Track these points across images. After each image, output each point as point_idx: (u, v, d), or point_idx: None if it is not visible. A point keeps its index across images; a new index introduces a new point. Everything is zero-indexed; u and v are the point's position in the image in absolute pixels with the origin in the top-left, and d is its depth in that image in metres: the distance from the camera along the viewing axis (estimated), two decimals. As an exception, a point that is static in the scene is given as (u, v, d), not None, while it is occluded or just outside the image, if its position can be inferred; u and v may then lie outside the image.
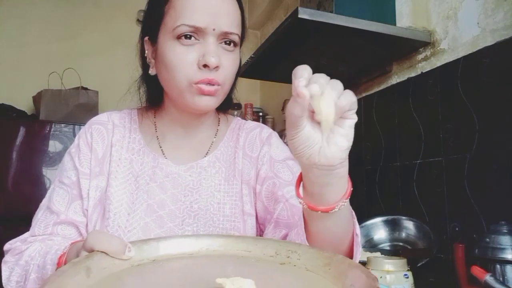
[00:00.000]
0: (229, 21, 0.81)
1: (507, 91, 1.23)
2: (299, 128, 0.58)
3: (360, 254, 0.76)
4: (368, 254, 1.14)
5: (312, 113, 0.59)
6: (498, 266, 0.96)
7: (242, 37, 0.89)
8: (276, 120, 3.05)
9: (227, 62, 0.82)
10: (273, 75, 2.11)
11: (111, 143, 0.92)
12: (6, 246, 0.87)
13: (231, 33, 0.81)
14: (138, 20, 3.15)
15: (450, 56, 1.46)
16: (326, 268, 0.59)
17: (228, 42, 0.82)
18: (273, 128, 3.03)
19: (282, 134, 2.84)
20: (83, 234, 0.88)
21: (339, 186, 0.70)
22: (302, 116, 0.57)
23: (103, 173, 0.90)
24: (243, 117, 3.03)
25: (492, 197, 1.25)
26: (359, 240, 0.76)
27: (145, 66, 0.90)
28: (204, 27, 0.78)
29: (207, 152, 0.95)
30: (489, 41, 1.30)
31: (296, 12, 1.40)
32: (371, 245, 1.53)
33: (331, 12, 1.59)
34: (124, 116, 0.97)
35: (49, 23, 2.97)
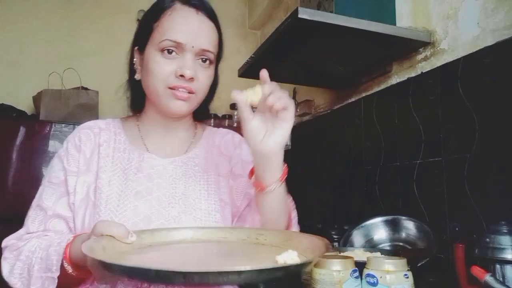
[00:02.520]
0: (207, 41, 0.96)
1: (507, 91, 1.23)
2: (246, 123, 0.84)
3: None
4: (368, 254, 1.14)
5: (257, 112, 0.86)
6: (498, 266, 0.95)
7: (219, 57, 1.05)
8: (276, 120, 3.04)
9: (202, 76, 0.96)
10: (273, 75, 2.09)
11: (98, 143, 1.01)
12: (3, 243, 0.94)
13: (207, 51, 0.96)
14: (138, 20, 3.14)
15: (450, 56, 1.46)
16: (287, 242, 0.80)
17: (204, 59, 0.97)
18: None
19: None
20: (71, 228, 0.95)
21: (275, 171, 0.88)
22: (247, 115, 0.84)
23: (91, 170, 0.98)
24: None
25: (492, 197, 1.25)
26: (294, 222, 1.03)
27: (132, 72, 1.04)
28: (184, 43, 0.92)
29: (187, 150, 1.07)
30: (489, 41, 1.30)
31: (296, 12, 1.40)
32: (371, 245, 1.53)
33: (331, 12, 1.59)
34: (109, 122, 1.08)
35: (49, 23, 2.96)
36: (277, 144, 0.84)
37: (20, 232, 0.96)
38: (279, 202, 0.93)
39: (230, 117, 3.00)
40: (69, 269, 0.81)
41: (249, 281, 0.58)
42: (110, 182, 0.96)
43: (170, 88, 0.93)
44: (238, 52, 3.28)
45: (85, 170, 0.98)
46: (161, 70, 0.92)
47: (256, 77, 2.40)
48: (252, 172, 0.92)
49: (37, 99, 2.59)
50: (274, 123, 0.84)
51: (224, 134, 1.17)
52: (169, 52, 0.92)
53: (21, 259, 0.88)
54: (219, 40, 1.02)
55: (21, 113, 2.55)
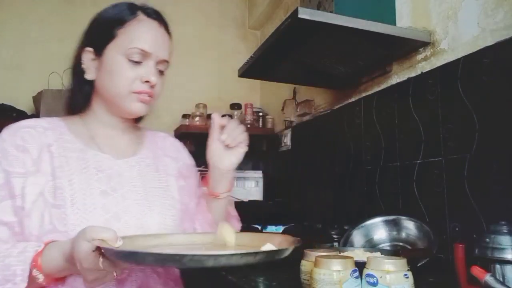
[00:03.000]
0: (166, 52, 1.05)
1: (507, 91, 1.23)
2: (211, 143, 1.10)
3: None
4: (368, 254, 1.14)
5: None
6: (498, 266, 0.95)
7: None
8: (276, 120, 3.05)
9: (159, 83, 1.05)
10: (273, 75, 2.12)
11: (47, 143, 0.99)
12: None
13: (165, 61, 1.05)
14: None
15: (450, 56, 1.46)
16: (265, 240, 0.89)
17: (161, 69, 1.05)
18: (273, 128, 3.04)
19: (282, 135, 2.84)
20: (17, 232, 0.92)
21: (227, 184, 1.12)
22: (215, 137, 1.08)
23: (41, 170, 0.95)
24: (243, 117, 3.03)
25: (492, 197, 1.25)
26: (236, 219, 1.25)
27: (79, 71, 1.05)
28: (150, 52, 1.00)
29: (136, 151, 1.12)
30: (489, 41, 1.30)
31: (296, 12, 1.40)
32: (371, 245, 1.53)
33: (331, 12, 1.59)
34: (50, 121, 1.05)
35: (49, 23, 2.97)
36: (232, 164, 1.09)
37: None
38: (226, 206, 1.17)
39: (230, 117, 2.99)
40: (40, 277, 0.82)
41: (255, 261, 0.71)
42: (71, 182, 0.95)
43: (135, 92, 1.00)
44: (238, 52, 3.28)
45: (34, 171, 0.94)
46: (127, 75, 0.98)
47: (256, 77, 2.41)
48: (205, 181, 1.15)
49: (37, 99, 2.59)
50: (232, 149, 1.09)
51: (165, 137, 1.26)
52: (135, 59, 0.99)
53: None
54: (172, 53, 1.11)
55: (21, 113, 2.55)
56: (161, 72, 1.06)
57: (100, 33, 1.02)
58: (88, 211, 0.93)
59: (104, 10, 1.06)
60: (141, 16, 1.02)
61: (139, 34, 0.99)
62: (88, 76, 1.02)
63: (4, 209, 0.91)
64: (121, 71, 0.98)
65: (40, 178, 0.94)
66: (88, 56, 1.02)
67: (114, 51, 0.99)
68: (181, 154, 1.24)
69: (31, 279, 0.81)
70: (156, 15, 1.06)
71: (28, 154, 0.95)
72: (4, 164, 0.94)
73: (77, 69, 1.06)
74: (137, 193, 1.03)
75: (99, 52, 1.01)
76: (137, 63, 0.99)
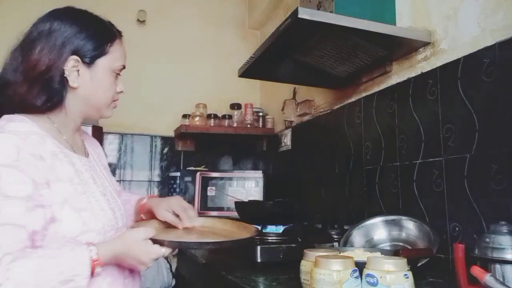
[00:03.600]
0: None
1: (507, 91, 1.23)
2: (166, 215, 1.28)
3: None
4: (368, 254, 1.14)
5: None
6: (498, 266, 0.95)
7: None
8: (276, 120, 3.05)
9: None
10: (273, 75, 2.12)
11: (51, 150, 1.02)
12: None
13: None
14: (138, 20, 3.14)
15: (450, 56, 1.46)
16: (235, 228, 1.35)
17: None
18: (274, 128, 3.04)
19: (282, 134, 2.85)
20: (38, 240, 0.95)
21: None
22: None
23: (60, 177, 1.01)
24: (243, 117, 3.03)
25: (492, 197, 1.25)
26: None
27: (61, 76, 1.04)
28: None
29: (87, 151, 1.22)
30: (489, 41, 1.30)
31: (296, 12, 1.40)
32: (371, 245, 1.53)
33: (331, 12, 1.59)
34: (30, 123, 1.03)
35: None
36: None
37: None
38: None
39: (230, 117, 3.00)
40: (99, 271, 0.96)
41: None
42: (81, 185, 1.06)
43: (114, 100, 1.16)
44: (238, 52, 3.28)
45: (54, 179, 0.99)
46: (113, 88, 1.14)
47: (256, 77, 2.41)
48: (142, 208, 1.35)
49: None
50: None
51: (84, 132, 1.31)
52: (119, 73, 1.15)
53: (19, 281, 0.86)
54: None
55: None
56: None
57: (93, 47, 1.08)
58: (104, 210, 1.07)
59: (88, 22, 1.11)
60: (118, 36, 1.16)
61: (122, 53, 1.15)
62: (73, 83, 1.06)
63: (35, 218, 0.93)
64: (110, 85, 1.12)
65: (61, 185, 1.00)
66: (72, 63, 1.05)
67: (105, 66, 1.10)
68: (101, 150, 1.38)
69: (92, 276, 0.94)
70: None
71: (44, 162, 0.98)
72: (29, 172, 0.94)
73: (60, 75, 1.04)
74: (111, 192, 1.18)
75: (88, 63, 1.07)
76: (116, 77, 1.15)
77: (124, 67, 1.16)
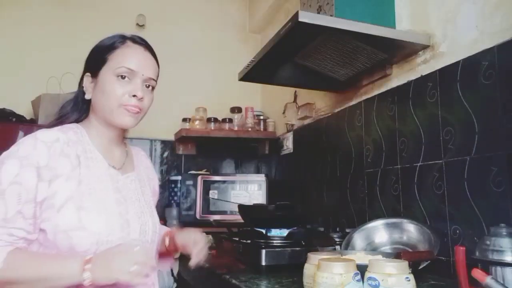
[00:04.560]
0: (152, 71, 1.20)
1: (506, 94, 1.24)
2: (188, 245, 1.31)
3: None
4: (370, 257, 1.14)
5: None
6: (498, 268, 0.96)
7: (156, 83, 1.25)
8: (277, 123, 3.05)
9: (147, 98, 1.19)
10: (274, 78, 2.12)
11: (76, 154, 1.11)
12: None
13: (152, 79, 1.20)
14: (137, 24, 3.16)
15: (449, 59, 1.47)
16: None
17: (148, 85, 1.20)
18: (275, 131, 3.04)
19: (284, 137, 2.85)
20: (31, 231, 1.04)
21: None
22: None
23: (74, 176, 1.08)
24: (244, 120, 3.03)
25: (493, 200, 1.25)
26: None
27: (81, 92, 1.21)
28: (136, 71, 1.15)
29: (132, 168, 1.29)
30: (488, 44, 1.31)
31: (296, 15, 1.41)
32: (372, 248, 1.53)
33: (331, 15, 1.59)
34: (66, 130, 1.14)
35: (47, 28, 2.97)
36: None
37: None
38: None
39: (230, 120, 3.01)
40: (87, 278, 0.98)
41: None
42: (94, 189, 1.11)
43: (124, 105, 1.14)
44: (239, 56, 3.28)
45: (69, 176, 1.09)
46: (116, 91, 1.13)
47: (257, 80, 2.42)
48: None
49: (35, 103, 2.60)
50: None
51: (138, 151, 1.40)
52: (123, 77, 1.14)
53: None
54: (158, 73, 1.27)
55: (20, 117, 2.56)
56: (148, 88, 1.21)
57: (96, 60, 1.18)
58: (109, 216, 1.09)
59: (100, 41, 1.21)
60: (129, 42, 1.19)
61: (127, 56, 1.16)
62: (88, 96, 1.18)
63: (40, 189, 1.02)
64: (112, 88, 1.13)
65: (72, 182, 1.06)
66: (87, 79, 1.19)
67: (106, 73, 1.15)
68: (155, 176, 1.47)
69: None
70: (142, 41, 1.22)
71: (68, 160, 1.08)
72: (40, 164, 1.03)
73: (79, 90, 1.22)
74: (138, 205, 1.21)
75: (94, 75, 1.17)
76: (125, 80, 1.15)
77: (130, 70, 1.14)
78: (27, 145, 1.03)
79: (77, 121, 1.21)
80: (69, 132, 1.13)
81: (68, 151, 1.08)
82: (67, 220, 1.02)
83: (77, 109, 1.22)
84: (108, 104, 1.13)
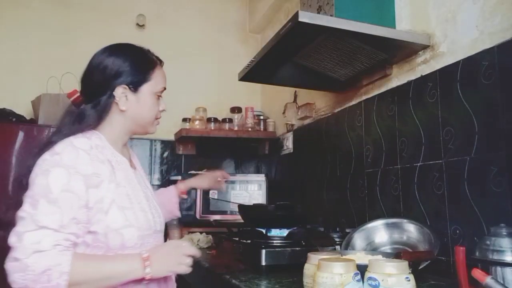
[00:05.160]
0: None
1: (506, 94, 1.24)
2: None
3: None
4: (370, 257, 1.14)
5: None
6: (498, 268, 0.96)
7: None
8: (277, 123, 3.05)
9: None
10: (274, 78, 2.12)
11: (108, 159, 1.20)
12: None
13: None
14: (137, 24, 3.16)
15: (450, 59, 1.47)
16: None
17: None
18: (275, 131, 3.05)
19: (284, 137, 2.85)
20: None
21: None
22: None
23: (113, 180, 1.18)
24: (244, 120, 3.03)
25: (492, 200, 1.25)
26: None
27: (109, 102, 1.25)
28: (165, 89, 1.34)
29: (136, 166, 1.39)
30: (488, 44, 1.31)
31: (296, 15, 1.41)
32: (372, 248, 1.53)
33: (331, 15, 1.59)
34: (89, 136, 1.21)
35: (47, 28, 2.98)
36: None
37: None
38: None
39: (230, 120, 3.01)
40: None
41: None
42: (127, 189, 1.21)
43: (156, 118, 1.33)
44: (239, 56, 3.29)
45: (110, 180, 1.19)
46: (156, 108, 1.30)
47: (257, 80, 2.41)
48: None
49: (35, 103, 2.60)
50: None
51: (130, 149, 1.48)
52: (160, 95, 1.31)
53: None
54: None
55: (20, 117, 2.56)
56: None
57: (138, 75, 1.26)
58: (145, 212, 1.21)
59: (133, 55, 1.28)
60: (158, 63, 1.33)
61: (163, 78, 1.32)
62: (122, 107, 1.24)
63: (91, 195, 1.10)
64: (153, 105, 1.29)
65: (112, 185, 1.15)
66: (123, 91, 1.23)
67: (148, 90, 1.27)
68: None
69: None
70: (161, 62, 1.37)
71: (105, 165, 1.17)
72: (87, 172, 1.11)
73: (108, 98, 1.24)
74: (151, 199, 1.32)
75: (135, 89, 1.25)
76: (159, 97, 1.32)
77: (164, 89, 1.32)
78: (69, 153, 1.10)
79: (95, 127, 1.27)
80: (93, 137, 1.20)
81: (102, 156, 1.17)
82: (116, 220, 1.13)
83: (102, 116, 1.24)
84: (148, 117, 1.29)
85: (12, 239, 1.00)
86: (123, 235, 1.12)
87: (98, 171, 1.12)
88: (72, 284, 0.99)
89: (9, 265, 0.97)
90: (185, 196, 1.73)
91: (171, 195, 1.69)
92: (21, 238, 0.99)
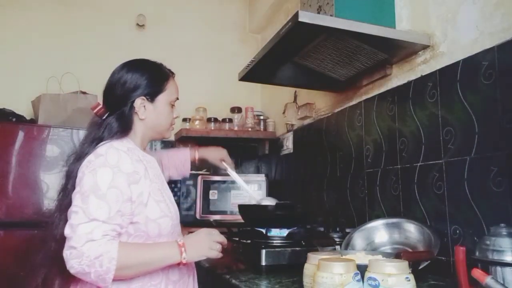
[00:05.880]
0: None
1: (506, 94, 1.24)
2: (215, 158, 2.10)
3: None
4: (370, 257, 1.14)
5: None
6: (498, 268, 0.96)
7: None
8: (277, 123, 3.05)
9: None
10: (274, 78, 2.12)
11: (139, 159, 1.34)
12: None
13: None
14: (137, 24, 3.16)
15: (449, 59, 1.47)
16: None
17: None
18: (275, 131, 3.04)
19: (284, 137, 2.85)
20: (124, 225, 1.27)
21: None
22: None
23: (147, 176, 1.32)
24: (244, 120, 3.03)
25: (493, 200, 1.25)
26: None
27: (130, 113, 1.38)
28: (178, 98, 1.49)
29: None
30: (488, 44, 1.31)
31: (296, 15, 1.41)
32: (372, 248, 1.53)
33: (331, 15, 1.59)
34: (127, 141, 1.37)
35: (48, 28, 2.98)
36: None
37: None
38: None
39: (230, 120, 3.01)
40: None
41: None
42: (158, 184, 1.35)
43: (171, 125, 1.48)
44: (238, 56, 3.29)
45: (145, 177, 1.32)
46: (171, 116, 1.45)
47: (257, 80, 2.41)
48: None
49: (35, 103, 2.59)
50: None
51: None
52: (173, 104, 1.45)
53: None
54: None
55: (20, 117, 2.55)
56: None
57: (154, 87, 1.40)
58: (173, 204, 1.37)
59: (149, 70, 1.42)
60: (171, 75, 1.48)
61: (175, 88, 1.47)
62: (142, 116, 1.38)
63: (133, 189, 1.24)
64: (169, 113, 1.44)
65: (147, 181, 1.29)
66: (140, 101, 1.37)
67: (164, 100, 1.41)
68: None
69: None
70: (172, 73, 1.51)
71: (140, 164, 1.31)
72: (129, 170, 1.25)
73: (129, 109, 1.38)
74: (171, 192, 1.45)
75: (152, 99, 1.39)
76: (172, 107, 1.46)
77: (177, 99, 1.47)
78: (112, 154, 1.24)
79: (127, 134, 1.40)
80: (124, 141, 1.34)
81: (136, 157, 1.31)
82: (154, 211, 1.26)
83: (128, 125, 1.38)
84: (164, 124, 1.44)
85: (67, 231, 1.13)
86: (160, 224, 1.26)
87: (137, 169, 1.27)
88: (118, 269, 1.11)
89: (67, 253, 1.11)
90: (195, 164, 1.95)
91: (185, 159, 1.89)
92: (75, 230, 1.12)
